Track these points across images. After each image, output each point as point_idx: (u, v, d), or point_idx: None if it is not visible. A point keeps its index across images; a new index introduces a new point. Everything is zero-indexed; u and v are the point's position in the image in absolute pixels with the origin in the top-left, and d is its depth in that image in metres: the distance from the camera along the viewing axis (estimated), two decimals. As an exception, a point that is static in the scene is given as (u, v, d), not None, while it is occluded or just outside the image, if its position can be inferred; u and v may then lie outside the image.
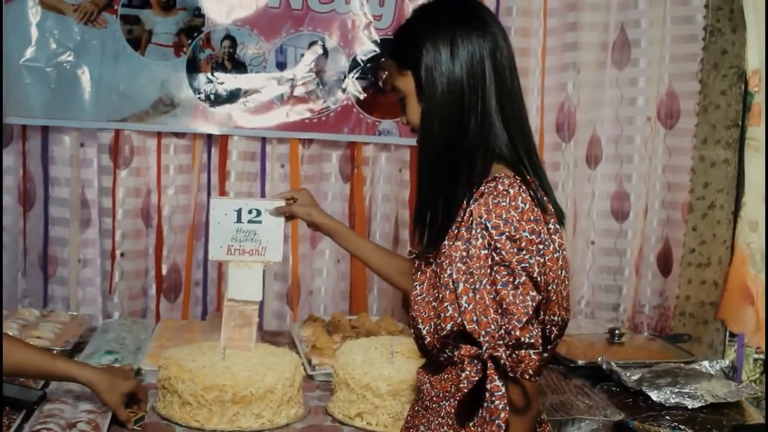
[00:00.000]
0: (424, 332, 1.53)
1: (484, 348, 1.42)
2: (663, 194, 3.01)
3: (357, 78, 2.85)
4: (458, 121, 1.51)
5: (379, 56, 2.84)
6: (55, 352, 2.28)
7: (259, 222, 2.13)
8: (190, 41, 2.76)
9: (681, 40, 2.93)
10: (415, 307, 1.56)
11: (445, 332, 1.48)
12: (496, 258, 1.42)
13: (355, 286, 2.99)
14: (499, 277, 1.42)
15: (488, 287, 1.42)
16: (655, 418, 2.05)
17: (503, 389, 1.41)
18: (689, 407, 2.10)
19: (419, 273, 1.59)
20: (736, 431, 2.01)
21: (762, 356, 2.94)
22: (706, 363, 2.38)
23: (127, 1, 2.71)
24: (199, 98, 2.78)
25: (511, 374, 1.41)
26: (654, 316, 3.04)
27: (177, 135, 2.84)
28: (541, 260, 1.43)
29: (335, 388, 2.07)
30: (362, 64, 2.84)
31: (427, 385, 1.60)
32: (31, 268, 2.84)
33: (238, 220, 2.13)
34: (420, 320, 1.54)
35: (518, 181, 1.47)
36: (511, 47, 1.58)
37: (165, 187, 2.85)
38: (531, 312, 1.40)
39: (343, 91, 2.86)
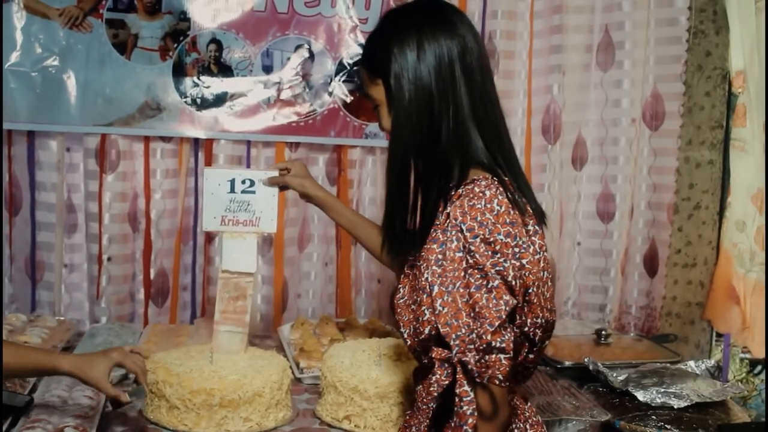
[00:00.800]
0: (405, 335, 1.54)
1: (454, 352, 1.41)
2: (649, 195, 3.03)
3: (343, 81, 2.85)
4: (428, 127, 1.50)
5: (365, 59, 2.84)
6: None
7: (253, 192, 2.12)
8: (176, 45, 2.75)
9: (665, 42, 2.95)
10: (398, 310, 1.56)
11: (423, 336, 1.47)
12: (470, 261, 1.42)
13: (342, 288, 2.99)
14: (472, 281, 1.41)
15: (462, 290, 1.42)
16: (642, 418, 2.06)
17: (472, 394, 1.41)
18: (675, 407, 2.11)
19: (402, 276, 1.59)
20: (721, 430, 2.03)
21: (748, 355, 2.96)
22: (691, 363, 2.39)
23: (112, 5, 2.70)
24: (185, 102, 2.77)
25: (478, 380, 1.41)
26: (641, 316, 3.06)
27: (163, 139, 2.83)
28: (517, 264, 1.43)
29: (323, 391, 2.08)
30: (348, 68, 2.84)
31: (420, 386, 1.60)
32: (18, 273, 2.83)
33: (232, 190, 2.12)
34: (401, 323, 1.54)
35: (495, 182, 1.47)
36: (483, 48, 1.56)
37: (152, 191, 2.84)
38: (504, 316, 1.40)
39: (330, 94, 2.86)
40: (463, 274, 1.42)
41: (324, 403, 2.06)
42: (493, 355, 1.40)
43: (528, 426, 1.60)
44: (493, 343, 1.39)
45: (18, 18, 2.66)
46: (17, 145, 2.77)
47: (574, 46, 2.98)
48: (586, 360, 2.34)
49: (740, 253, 2.89)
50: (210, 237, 2.89)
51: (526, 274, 1.45)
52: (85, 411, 1.92)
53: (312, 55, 2.83)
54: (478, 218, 1.42)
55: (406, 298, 1.55)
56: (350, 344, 2.22)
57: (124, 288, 2.86)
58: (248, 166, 2.87)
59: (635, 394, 2.16)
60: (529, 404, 1.64)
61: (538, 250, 1.49)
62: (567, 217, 3.09)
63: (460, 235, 1.43)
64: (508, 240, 1.42)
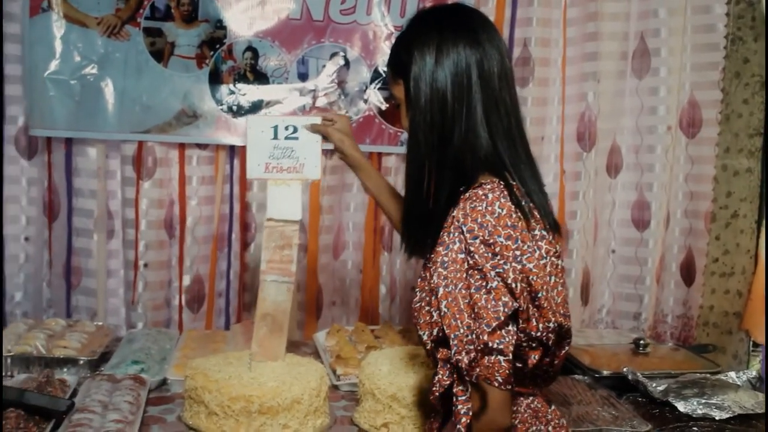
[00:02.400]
0: (425, 338, 1.55)
1: (453, 351, 1.43)
2: (685, 203, 3.00)
3: (379, 89, 2.86)
4: (441, 130, 1.54)
5: (400, 67, 2.84)
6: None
7: (296, 138, 2.11)
8: (212, 53, 2.77)
9: (702, 49, 2.93)
10: (415, 314, 1.59)
11: (432, 337, 1.50)
12: (470, 262, 1.44)
13: (365, 295, 2.99)
14: (473, 281, 1.44)
15: (463, 291, 1.44)
16: (682, 429, 2.04)
17: (467, 394, 1.43)
18: (717, 418, 2.08)
19: (420, 279, 1.61)
20: (764, 442, 2.00)
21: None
22: (732, 374, 2.36)
23: (149, 13, 2.73)
24: (221, 109, 2.79)
25: (467, 378, 1.42)
26: (677, 325, 3.03)
27: (200, 146, 2.85)
28: (518, 266, 1.44)
29: (361, 398, 2.07)
30: (384, 75, 2.85)
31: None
32: (56, 278, 2.86)
33: (275, 136, 2.11)
34: (419, 327, 1.57)
35: (500, 186, 1.49)
36: (506, 57, 1.59)
37: (188, 198, 2.86)
38: (502, 318, 1.41)
39: (365, 101, 2.86)
40: (464, 275, 1.45)
41: (362, 411, 2.05)
42: (492, 357, 1.41)
43: (551, 428, 1.60)
44: (491, 344, 1.41)
45: (57, 27, 2.68)
46: (56, 152, 2.80)
47: (609, 53, 2.97)
48: (625, 370, 2.31)
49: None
50: (245, 243, 2.90)
51: (534, 278, 1.45)
52: (125, 415, 1.93)
53: (347, 63, 2.84)
54: (479, 220, 1.45)
55: (422, 302, 1.56)
56: (388, 351, 2.21)
57: (160, 294, 2.88)
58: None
59: (676, 404, 2.13)
60: (553, 407, 1.64)
61: (545, 255, 1.49)
62: (602, 224, 3.07)
63: (461, 236, 1.46)
64: (509, 243, 1.44)
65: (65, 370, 2.29)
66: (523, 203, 1.49)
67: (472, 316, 1.42)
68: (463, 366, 1.42)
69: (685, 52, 2.95)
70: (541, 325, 1.48)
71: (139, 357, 2.36)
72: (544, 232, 1.51)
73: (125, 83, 2.73)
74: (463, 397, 1.43)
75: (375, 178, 2.12)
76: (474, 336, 1.42)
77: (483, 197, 1.47)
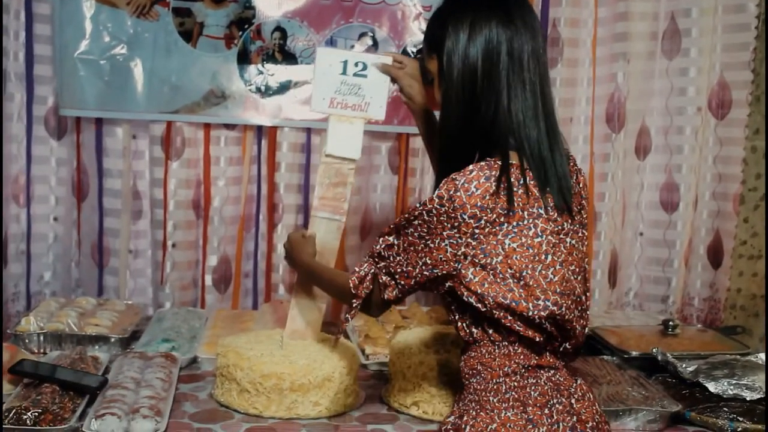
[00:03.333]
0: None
1: (377, 244, 1.66)
2: (714, 185, 2.98)
3: (406, 69, 2.85)
4: (470, 104, 1.58)
5: (428, 47, 2.83)
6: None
7: (365, 76, 2.07)
8: (240, 33, 2.77)
9: (733, 29, 2.90)
10: None
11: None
12: (426, 218, 1.55)
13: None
14: (418, 227, 1.56)
15: (412, 230, 1.58)
16: (713, 410, 2.02)
17: (360, 272, 1.69)
18: (748, 399, 2.07)
19: None
20: (796, 423, 1.99)
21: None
22: (762, 355, 2.33)
23: (178, -7, 2.74)
24: (249, 90, 2.80)
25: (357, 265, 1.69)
26: (704, 308, 3.02)
27: (228, 127, 2.86)
28: (473, 242, 1.51)
29: (391, 378, 2.08)
30: (412, 55, 2.83)
31: (462, 363, 1.64)
32: (85, 258, 2.88)
33: (344, 71, 2.07)
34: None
35: (494, 167, 1.53)
36: (539, 39, 1.61)
37: (215, 178, 2.87)
38: (411, 270, 1.58)
39: (393, 82, 2.84)
40: (416, 222, 1.57)
41: (391, 390, 2.06)
42: (386, 280, 1.63)
43: (573, 401, 1.60)
44: (383, 279, 1.63)
45: (87, 7, 2.70)
46: (86, 132, 2.82)
47: (639, 34, 2.94)
48: (654, 350, 2.30)
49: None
50: (273, 224, 2.90)
51: (517, 257, 1.51)
52: (157, 392, 1.95)
53: (376, 43, 2.83)
54: (451, 192, 1.51)
55: None
56: (417, 331, 2.21)
57: (188, 274, 2.90)
58: (308, 154, 2.88)
59: (706, 385, 2.11)
60: (579, 382, 1.65)
61: (540, 233, 1.53)
62: (629, 206, 3.05)
63: (434, 198, 1.53)
64: (471, 221, 1.50)
65: (97, 347, 2.31)
66: (520, 182, 1.52)
67: (403, 248, 1.58)
68: (368, 256, 1.68)
69: (715, 32, 2.91)
70: (530, 305, 1.52)
71: (170, 335, 2.38)
72: (542, 211, 1.54)
73: (154, 63, 2.75)
74: (360, 269, 1.68)
75: (434, 131, 2.10)
76: (390, 262, 1.61)
77: (467, 172, 1.52)
